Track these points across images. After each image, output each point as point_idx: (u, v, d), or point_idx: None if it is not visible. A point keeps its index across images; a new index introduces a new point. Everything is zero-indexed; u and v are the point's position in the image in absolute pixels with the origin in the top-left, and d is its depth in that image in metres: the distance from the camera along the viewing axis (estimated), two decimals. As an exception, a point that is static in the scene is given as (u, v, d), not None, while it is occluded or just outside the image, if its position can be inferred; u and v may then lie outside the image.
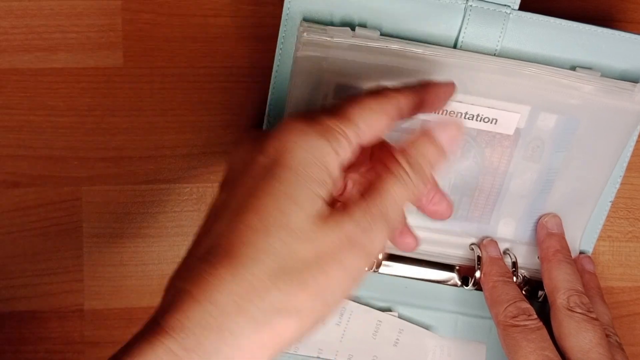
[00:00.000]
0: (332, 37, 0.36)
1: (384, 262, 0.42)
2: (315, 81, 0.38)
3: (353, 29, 0.37)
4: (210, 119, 0.42)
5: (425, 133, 0.31)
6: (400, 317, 0.43)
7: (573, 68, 0.39)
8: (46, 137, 0.41)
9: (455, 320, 0.44)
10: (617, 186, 0.43)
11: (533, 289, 0.44)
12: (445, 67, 0.38)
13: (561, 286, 0.40)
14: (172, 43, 0.41)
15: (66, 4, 0.40)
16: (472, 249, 0.43)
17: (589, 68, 0.39)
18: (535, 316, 0.39)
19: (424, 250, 0.43)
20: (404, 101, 0.31)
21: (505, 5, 0.38)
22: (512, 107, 0.39)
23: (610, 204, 0.43)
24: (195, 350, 0.25)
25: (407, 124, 0.40)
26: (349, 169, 0.32)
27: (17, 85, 0.40)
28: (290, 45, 0.38)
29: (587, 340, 0.37)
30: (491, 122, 0.40)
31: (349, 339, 0.43)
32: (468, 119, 0.39)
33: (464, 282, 0.43)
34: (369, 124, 0.29)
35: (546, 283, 0.41)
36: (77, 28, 0.40)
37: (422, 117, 0.34)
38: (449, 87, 0.34)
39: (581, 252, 0.44)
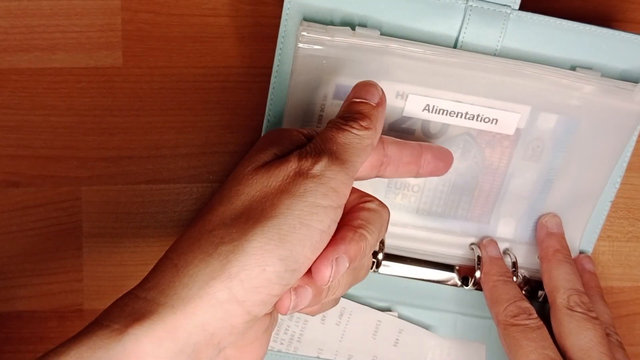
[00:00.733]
0: (332, 36, 0.36)
1: (383, 262, 0.42)
2: (315, 81, 0.38)
3: (353, 28, 0.37)
4: (209, 119, 0.42)
5: None
6: (400, 317, 0.43)
7: (573, 68, 0.39)
8: (46, 137, 0.41)
9: (455, 320, 0.44)
10: (617, 186, 0.43)
11: (533, 288, 0.44)
12: (446, 67, 0.38)
13: (561, 286, 0.40)
14: (171, 43, 0.41)
15: (66, 3, 0.40)
16: (472, 249, 0.43)
17: (589, 68, 0.39)
18: (536, 315, 0.39)
19: (424, 250, 0.43)
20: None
21: (505, 5, 0.38)
22: (512, 107, 0.39)
23: (610, 204, 0.43)
24: (158, 298, 0.27)
25: (408, 124, 0.40)
26: None
27: (17, 85, 0.40)
28: (290, 45, 0.38)
29: (587, 339, 0.37)
30: (491, 122, 0.39)
31: (349, 339, 0.43)
32: (468, 119, 0.39)
33: (464, 282, 0.43)
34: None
35: (546, 283, 0.41)
36: (77, 28, 0.40)
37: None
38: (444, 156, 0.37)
39: (581, 252, 0.44)
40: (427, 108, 0.39)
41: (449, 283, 0.43)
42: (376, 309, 0.43)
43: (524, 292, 0.43)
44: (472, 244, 0.43)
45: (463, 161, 0.41)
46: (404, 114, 0.39)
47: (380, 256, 0.41)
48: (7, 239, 0.42)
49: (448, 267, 0.43)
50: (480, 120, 0.39)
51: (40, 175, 0.41)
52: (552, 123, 0.40)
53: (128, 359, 0.25)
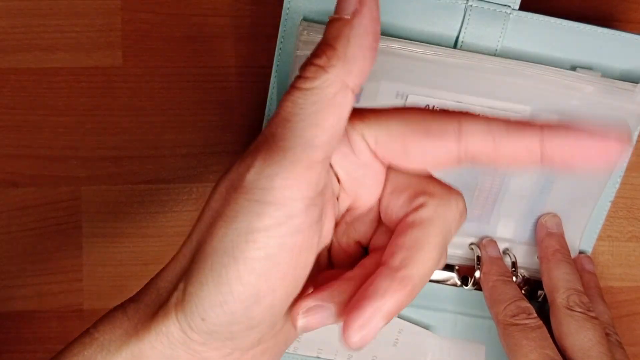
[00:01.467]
0: (332, 37, 0.36)
1: (383, 262, 0.42)
2: (315, 81, 0.38)
3: (353, 28, 0.37)
4: (209, 119, 0.42)
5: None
6: (399, 317, 0.43)
7: (573, 68, 0.39)
8: (46, 137, 0.41)
9: (454, 320, 0.44)
10: (617, 186, 0.43)
11: (532, 288, 0.44)
12: (446, 67, 0.38)
13: (561, 285, 0.40)
14: (171, 42, 0.41)
15: (65, 3, 0.40)
16: (472, 249, 0.43)
17: (589, 68, 0.39)
18: (535, 315, 0.39)
19: (424, 250, 0.43)
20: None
21: (505, 5, 0.38)
22: (513, 108, 0.39)
23: (610, 203, 0.43)
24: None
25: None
26: None
27: (17, 85, 0.40)
28: (290, 45, 0.38)
29: (587, 339, 0.37)
30: (491, 122, 0.39)
31: (349, 339, 0.43)
32: (468, 119, 0.39)
33: (464, 281, 0.43)
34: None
35: (545, 282, 0.41)
36: (77, 28, 0.40)
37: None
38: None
39: (581, 252, 0.44)
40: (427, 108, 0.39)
41: (448, 283, 0.43)
42: (376, 308, 0.43)
43: (523, 292, 0.43)
44: (471, 243, 0.43)
45: (463, 161, 0.41)
46: (404, 114, 0.39)
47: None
48: (6, 239, 0.42)
49: (448, 267, 0.43)
50: (480, 121, 0.39)
51: (39, 175, 0.41)
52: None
53: None
